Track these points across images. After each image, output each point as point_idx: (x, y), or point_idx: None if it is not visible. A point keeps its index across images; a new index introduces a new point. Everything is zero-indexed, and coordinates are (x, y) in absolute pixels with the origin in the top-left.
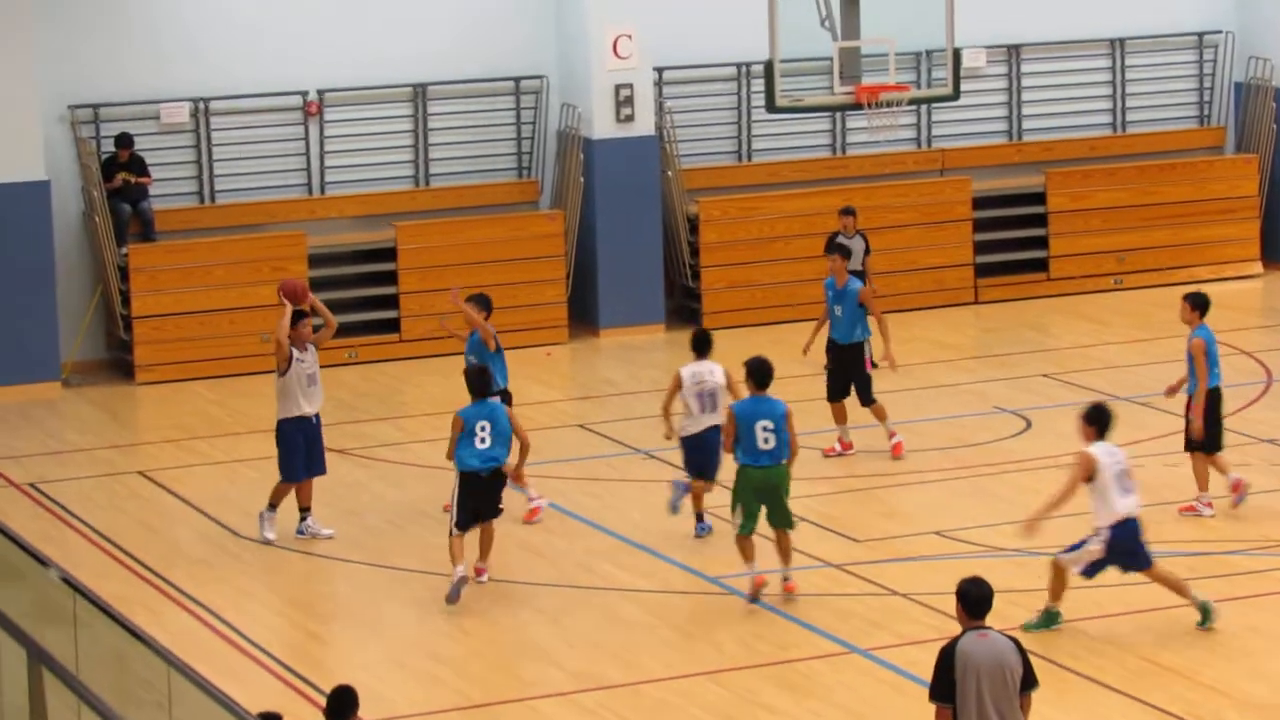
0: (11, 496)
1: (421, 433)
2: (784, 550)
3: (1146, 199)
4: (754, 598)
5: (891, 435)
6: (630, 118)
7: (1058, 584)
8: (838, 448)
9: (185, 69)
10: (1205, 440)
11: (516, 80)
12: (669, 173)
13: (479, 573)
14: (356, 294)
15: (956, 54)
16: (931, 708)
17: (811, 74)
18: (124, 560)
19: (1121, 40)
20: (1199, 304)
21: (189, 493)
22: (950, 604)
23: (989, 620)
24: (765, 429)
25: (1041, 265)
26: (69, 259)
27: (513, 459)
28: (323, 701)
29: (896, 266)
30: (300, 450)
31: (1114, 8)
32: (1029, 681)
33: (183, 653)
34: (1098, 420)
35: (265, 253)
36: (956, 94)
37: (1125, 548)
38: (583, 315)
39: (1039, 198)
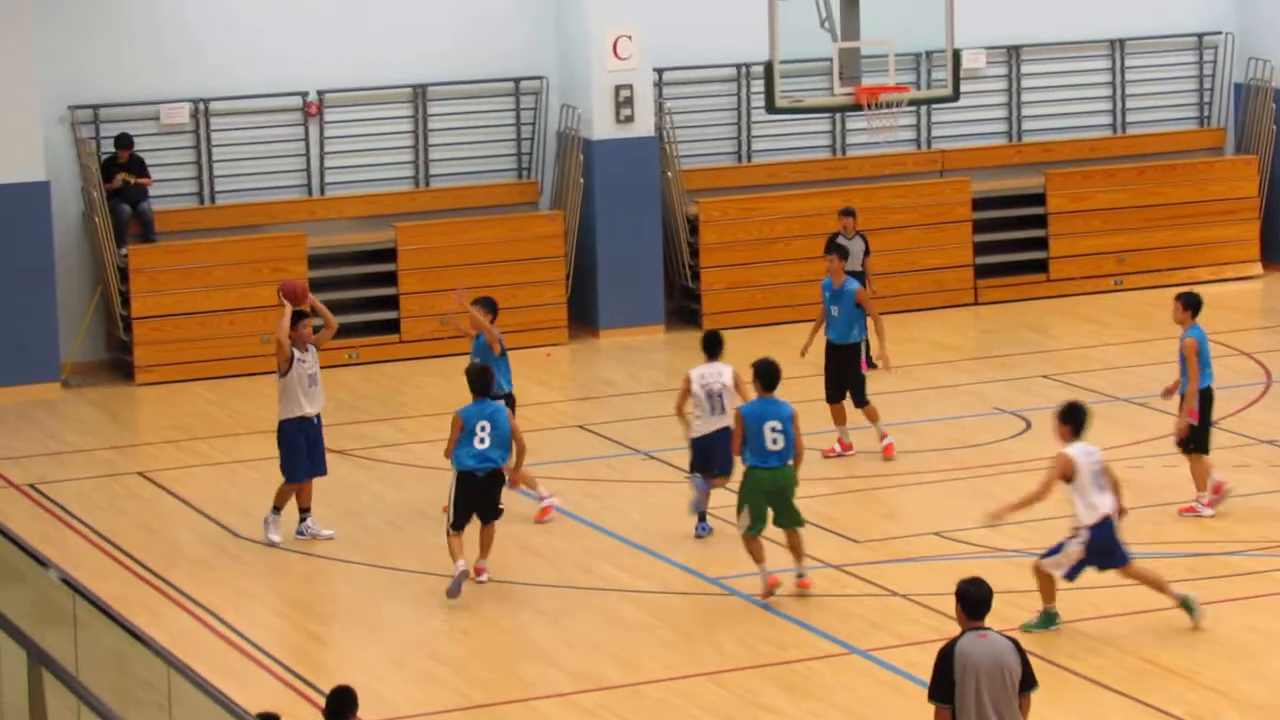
0: (11, 497)
1: (421, 434)
2: (796, 548)
3: (1146, 200)
4: (767, 596)
5: (883, 437)
6: (630, 118)
7: (1046, 586)
8: (837, 449)
9: (185, 69)
10: (1192, 440)
11: (516, 81)
12: (669, 173)
13: (479, 572)
14: (356, 295)
15: (956, 55)
16: (931, 708)
17: (811, 75)
18: (124, 561)
19: (1121, 41)
20: (1191, 304)
21: (189, 493)
22: (950, 605)
23: (988, 621)
24: (774, 430)
25: (1041, 266)
26: (69, 259)
27: (512, 463)
28: (322, 702)
29: (896, 267)
30: (302, 451)
31: (1114, 8)
32: (1028, 682)
33: (182, 653)
34: (1073, 419)
35: (265, 253)
36: (956, 95)
37: (1103, 546)
38: (582, 316)
39: (1039, 199)
